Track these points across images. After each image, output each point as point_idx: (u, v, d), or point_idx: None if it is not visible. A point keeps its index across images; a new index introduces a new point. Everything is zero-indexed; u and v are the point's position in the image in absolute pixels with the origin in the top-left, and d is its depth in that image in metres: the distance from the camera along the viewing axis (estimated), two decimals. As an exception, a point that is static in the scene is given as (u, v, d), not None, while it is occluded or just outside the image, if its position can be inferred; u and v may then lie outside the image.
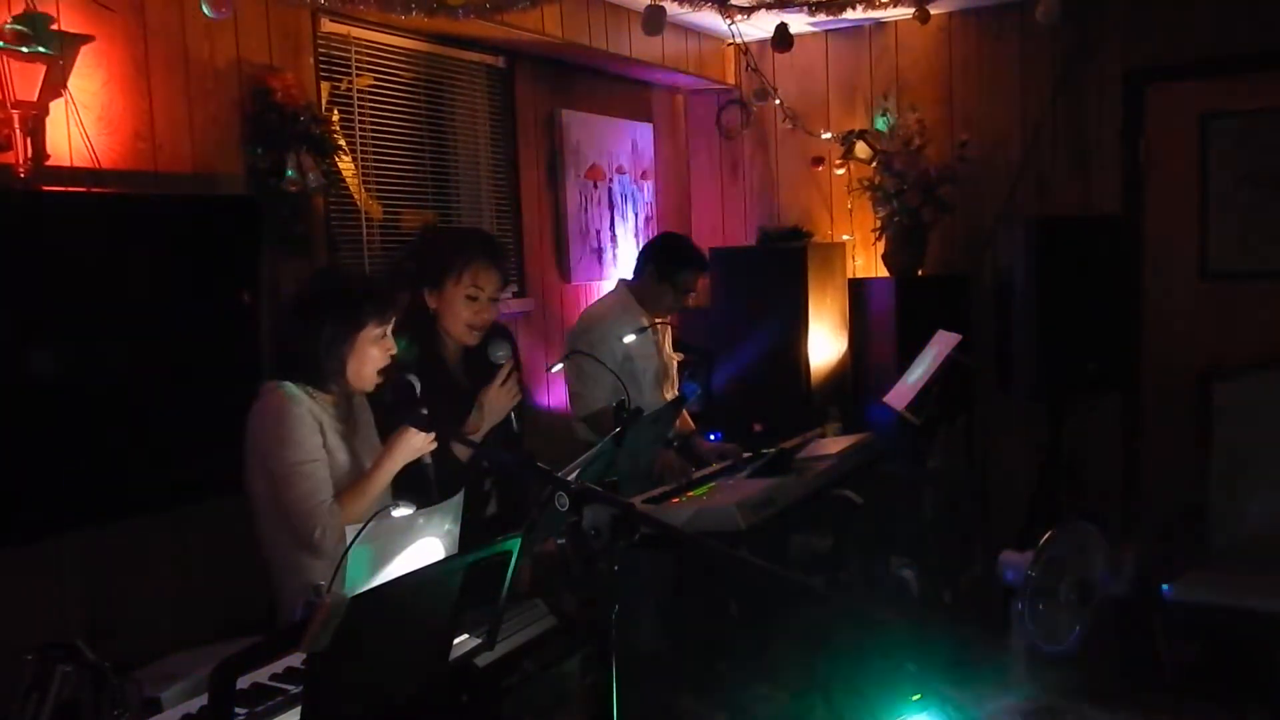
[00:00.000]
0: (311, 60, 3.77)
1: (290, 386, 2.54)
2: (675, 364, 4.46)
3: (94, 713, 1.86)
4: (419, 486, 2.68)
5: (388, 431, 2.69)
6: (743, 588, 3.41)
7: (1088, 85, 5.03)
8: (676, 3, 4.21)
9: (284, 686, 2.08)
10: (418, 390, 2.65)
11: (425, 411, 2.55)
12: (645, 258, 4.27)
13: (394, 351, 2.65)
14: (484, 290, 3.10)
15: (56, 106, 2.90)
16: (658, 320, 4.25)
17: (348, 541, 2.23)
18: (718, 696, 3.58)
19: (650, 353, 4.21)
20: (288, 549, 2.55)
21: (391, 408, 2.72)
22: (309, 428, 2.51)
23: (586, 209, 5.19)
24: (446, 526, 2.53)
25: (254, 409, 2.57)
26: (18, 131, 2.76)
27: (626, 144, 5.46)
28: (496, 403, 2.91)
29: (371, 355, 2.60)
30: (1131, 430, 5.07)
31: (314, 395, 2.57)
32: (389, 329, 2.64)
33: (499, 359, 2.96)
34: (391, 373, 2.67)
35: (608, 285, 5.23)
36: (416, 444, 2.58)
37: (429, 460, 2.67)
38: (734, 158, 5.91)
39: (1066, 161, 5.09)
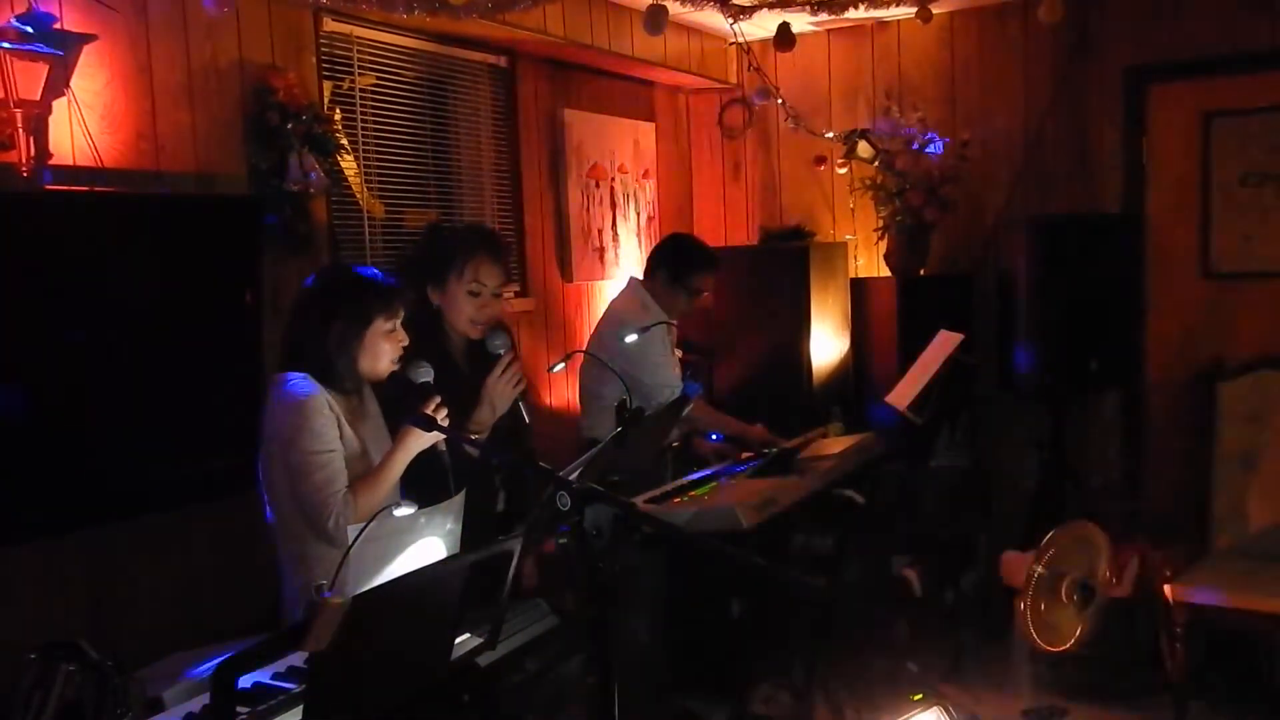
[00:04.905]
0: (314, 59, 3.77)
1: (307, 378, 2.55)
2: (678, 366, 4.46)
3: (96, 712, 1.87)
4: (435, 479, 2.69)
5: (392, 427, 2.70)
6: (744, 587, 3.40)
7: (1090, 84, 5.02)
8: (678, 2, 4.20)
9: (286, 686, 2.08)
10: (430, 379, 2.64)
11: (439, 399, 2.56)
12: (655, 261, 4.27)
13: (405, 343, 2.66)
14: (486, 285, 3.11)
15: (59, 106, 2.91)
16: (664, 321, 4.25)
17: (350, 540, 2.23)
18: (718, 696, 3.57)
19: (668, 349, 4.22)
20: (302, 541, 2.55)
21: (392, 406, 2.72)
22: (326, 418, 2.52)
23: (588, 208, 5.19)
24: (448, 526, 2.54)
25: (271, 400, 2.57)
26: (20, 130, 2.77)
27: (628, 143, 5.46)
28: (500, 393, 2.91)
29: (383, 349, 2.62)
30: (1133, 430, 5.07)
31: (327, 389, 2.58)
32: (398, 321, 2.65)
33: (497, 349, 2.96)
34: (403, 363, 2.67)
35: (608, 285, 5.23)
36: (424, 438, 2.59)
37: (443, 448, 2.68)
38: (736, 157, 5.91)
39: (1068, 160, 5.09)
